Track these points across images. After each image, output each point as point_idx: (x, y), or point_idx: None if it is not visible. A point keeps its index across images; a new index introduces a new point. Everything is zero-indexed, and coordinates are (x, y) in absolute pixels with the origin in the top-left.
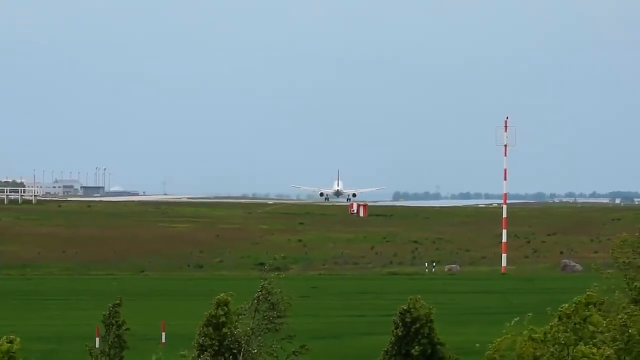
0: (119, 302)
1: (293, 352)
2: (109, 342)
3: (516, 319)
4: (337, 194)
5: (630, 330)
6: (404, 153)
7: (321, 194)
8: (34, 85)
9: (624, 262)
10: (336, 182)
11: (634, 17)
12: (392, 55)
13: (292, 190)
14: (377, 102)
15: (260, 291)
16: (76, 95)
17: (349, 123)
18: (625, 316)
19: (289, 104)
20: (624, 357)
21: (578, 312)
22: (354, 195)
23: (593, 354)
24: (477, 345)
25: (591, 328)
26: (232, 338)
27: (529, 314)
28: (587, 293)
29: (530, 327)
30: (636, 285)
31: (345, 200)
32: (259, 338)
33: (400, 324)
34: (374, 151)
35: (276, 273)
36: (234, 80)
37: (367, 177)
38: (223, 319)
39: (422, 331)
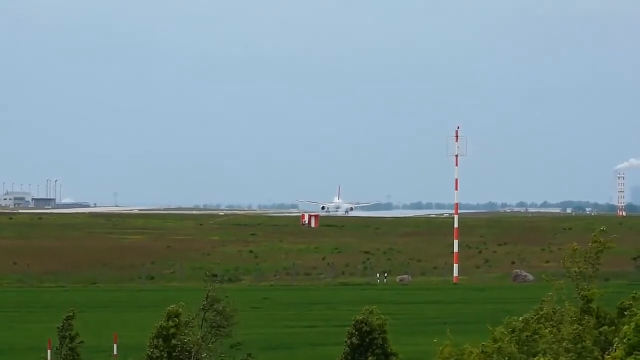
0: (72, 314)
1: None
2: (62, 355)
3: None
4: (337, 207)
5: (584, 342)
6: (356, 164)
7: (323, 208)
8: None
9: (575, 272)
10: (336, 197)
11: (591, 35)
12: (338, 62)
13: (244, 200)
14: (321, 109)
15: (206, 300)
16: (26, 107)
17: (301, 134)
18: (580, 327)
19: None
20: None
21: (529, 327)
22: (352, 209)
23: None
24: None
25: (542, 341)
26: (182, 348)
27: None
28: (540, 305)
29: (482, 343)
30: (584, 295)
31: (344, 213)
32: (210, 346)
33: (355, 334)
34: (326, 162)
35: (218, 282)
36: (190, 91)
37: (321, 188)
38: (173, 330)
39: (376, 342)
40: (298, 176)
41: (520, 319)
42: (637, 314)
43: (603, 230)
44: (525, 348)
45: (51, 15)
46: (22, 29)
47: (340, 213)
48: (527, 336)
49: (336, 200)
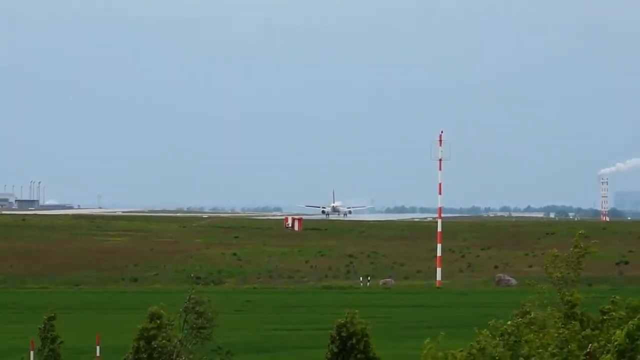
0: (53, 315)
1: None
2: (44, 356)
3: (443, 333)
4: (335, 210)
5: (570, 346)
6: (339, 166)
7: (323, 211)
8: None
9: (557, 277)
10: (333, 200)
11: (571, 37)
12: (332, 69)
13: (227, 203)
14: (311, 115)
15: (188, 302)
16: (9, 107)
17: (285, 136)
18: (567, 332)
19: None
20: None
21: (519, 331)
22: (350, 212)
23: None
24: None
25: (528, 345)
26: (163, 350)
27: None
28: (527, 310)
29: (471, 343)
30: (567, 300)
31: (343, 216)
32: (189, 348)
33: (337, 338)
34: (310, 164)
35: (201, 284)
36: (179, 93)
37: (302, 191)
38: (154, 331)
39: (358, 346)
40: (284, 179)
41: (509, 322)
42: (616, 318)
43: (582, 233)
44: (510, 352)
45: (42, 17)
46: (9, 28)
47: (341, 216)
48: (514, 340)
49: (332, 204)
